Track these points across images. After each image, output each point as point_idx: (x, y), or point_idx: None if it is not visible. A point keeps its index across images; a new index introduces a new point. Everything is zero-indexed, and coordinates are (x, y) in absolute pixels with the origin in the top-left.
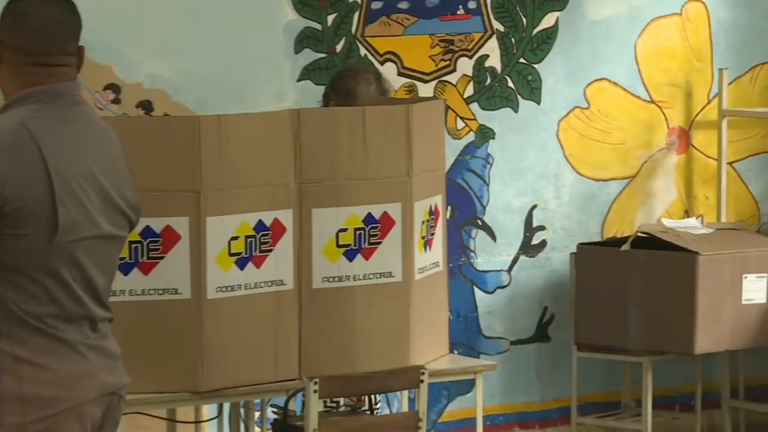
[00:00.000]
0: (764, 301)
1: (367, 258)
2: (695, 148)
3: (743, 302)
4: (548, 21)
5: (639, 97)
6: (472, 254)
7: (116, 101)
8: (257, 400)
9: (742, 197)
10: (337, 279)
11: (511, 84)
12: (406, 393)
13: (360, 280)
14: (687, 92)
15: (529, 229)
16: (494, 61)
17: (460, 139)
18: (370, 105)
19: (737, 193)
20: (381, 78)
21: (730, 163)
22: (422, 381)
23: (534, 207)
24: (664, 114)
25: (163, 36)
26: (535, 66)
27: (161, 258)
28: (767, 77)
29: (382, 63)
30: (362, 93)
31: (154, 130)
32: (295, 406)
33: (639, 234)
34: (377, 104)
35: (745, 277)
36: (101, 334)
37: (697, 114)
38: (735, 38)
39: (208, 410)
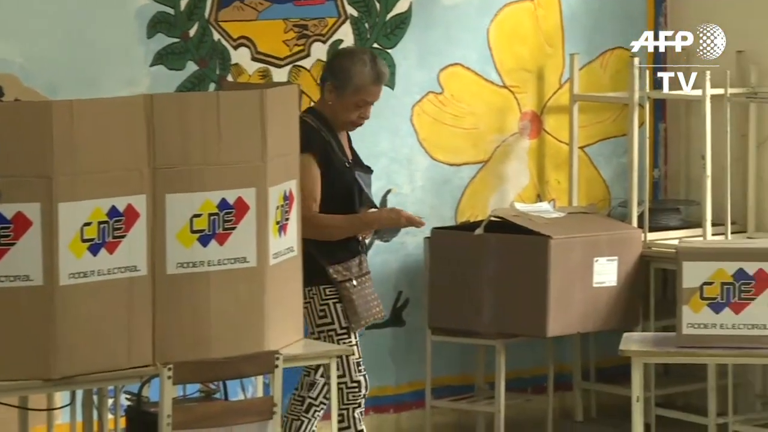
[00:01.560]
0: (615, 283)
1: (221, 243)
2: (547, 132)
3: (594, 285)
4: (402, 6)
5: (491, 82)
6: None
7: None
8: (111, 387)
9: (593, 181)
10: (191, 265)
11: None
12: (261, 378)
13: (214, 265)
14: (539, 77)
15: None
16: (348, 45)
17: None
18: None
19: (588, 177)
20: (377, 60)
21: (581, 148)
22: (277, 366)
23: (388, 191)
24: (516, 99)
25: (13, 20)
26: (389, 51)
27: (12, 244)
28: (617, 62)
29: (235, 48)
30: (357, 72)
31: (4, 115)
32: (149, 392)
33: (492, 218)
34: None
35: (596, 260)
36: None
37: (549, 99)
38: (586, 23)
39: (61, 397)
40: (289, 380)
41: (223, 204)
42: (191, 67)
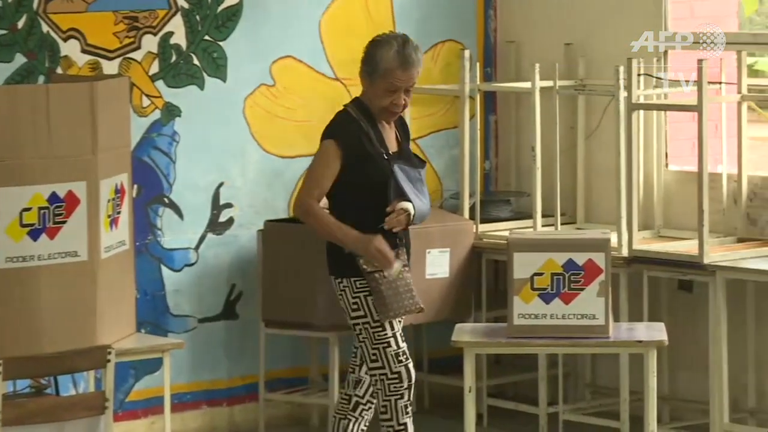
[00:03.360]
0: (447, 275)
1: (51, 237)
2: None
3: (427, 276)
4: None
5: (324, 75)
6: (159, 232)
7: None
8: None
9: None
10: (21, 259)
11: (196, 61)
12: (92, 373)
13: (45, 259)
14: None
15: (216, 206)
16: (179, 38)
17: (145, 116)
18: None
19: None
20: (407, 44)
21: (413, 140)
22: (109, 360)
23: (221, 184)
24: (348, 91)
25: None
26: (221, 43)
27: None
28: (448, 55)
29: (65, 40)
30: (383, 56)
31: None
32: None
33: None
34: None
35: (429, 252)
36: None
37: None
38: (416, 16)
39: None
40: (121, 375)
41: (54, 198)
42: (20, 59)
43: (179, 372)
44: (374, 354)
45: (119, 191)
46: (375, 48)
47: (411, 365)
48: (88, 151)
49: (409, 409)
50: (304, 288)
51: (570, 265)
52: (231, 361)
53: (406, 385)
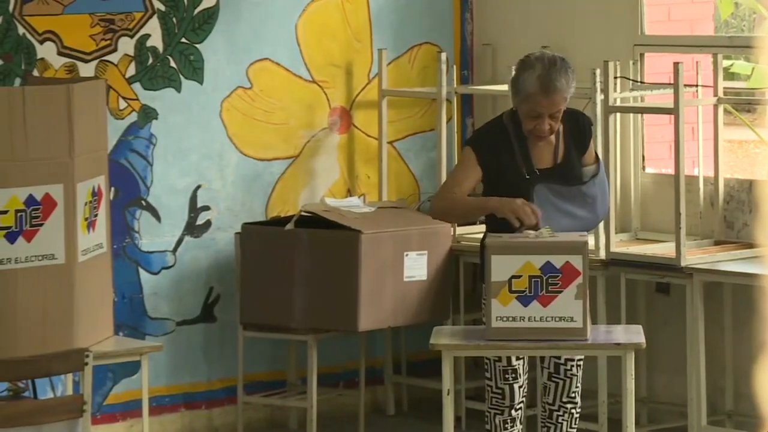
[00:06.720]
0: (425, 278)
1: (29, 240)
2: (357, 127)
3: (405, 279)
4: (209, 1)
5: (301, 77)
6: (137, 235)
7: None
8: None
9: (403, 176)
10: None
11: (173, 64)
12: (70, 376)
13: (22, 262)
14: (347, 72)
15: (194, 209)
16: (156, 40)
17: (122, 119)
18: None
19: (398, 171)
20: (553, 67)
21: (390, 143)
22: (87, 363)
23: (198, 187)
24: (325, 94)
25: None
26: (197, 46)
27: None
28: (425, 57)
29: (41, 42)
30: (524, 79)
31: None
32: None
33: (303, 213)
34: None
35: (407, 255)
36: None
37: (358, 94)
38: (393, 19)
39: None
40: (99, 378)
41: (30, 200)
42: None
43: (157, 375)
44: (486, 363)
45: (96, 194)
46: (520, 69)
47: (517, 386)
48: (65, 153)
49: (509, 426)
50: (282, 290)
51: (548, 267)
52: (209, 364)
53: (508, 403)
